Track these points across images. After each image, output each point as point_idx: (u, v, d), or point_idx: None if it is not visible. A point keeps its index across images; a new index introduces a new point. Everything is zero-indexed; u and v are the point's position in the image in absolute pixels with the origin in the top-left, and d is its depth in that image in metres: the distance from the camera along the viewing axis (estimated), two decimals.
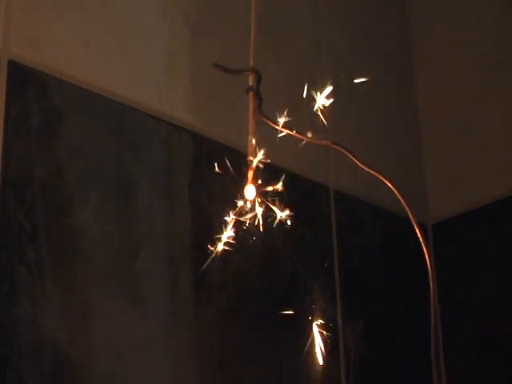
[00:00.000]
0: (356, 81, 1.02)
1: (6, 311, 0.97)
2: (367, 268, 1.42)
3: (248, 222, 0.97)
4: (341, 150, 0.99)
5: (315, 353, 1.02)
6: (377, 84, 1.56)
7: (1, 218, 0.99)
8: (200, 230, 1.19)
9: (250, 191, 0.96)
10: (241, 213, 0.97)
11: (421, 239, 0.91)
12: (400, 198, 0.93)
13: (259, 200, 0.96)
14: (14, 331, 0.97)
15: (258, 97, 0.99)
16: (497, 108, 1.52)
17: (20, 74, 1.06)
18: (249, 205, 0.97)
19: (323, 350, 0.99)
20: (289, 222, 0.98)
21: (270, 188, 0.97)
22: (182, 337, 1.13)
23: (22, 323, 0.98)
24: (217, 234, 1.21)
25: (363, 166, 0.96)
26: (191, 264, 1.17)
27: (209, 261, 0.99)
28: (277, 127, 0.99)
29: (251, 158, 0.97)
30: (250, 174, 0.97)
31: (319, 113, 0.97)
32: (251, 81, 0.99)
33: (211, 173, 1.23)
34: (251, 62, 0.99)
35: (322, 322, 1.05)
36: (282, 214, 0.98)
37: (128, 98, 1.17)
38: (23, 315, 0.98)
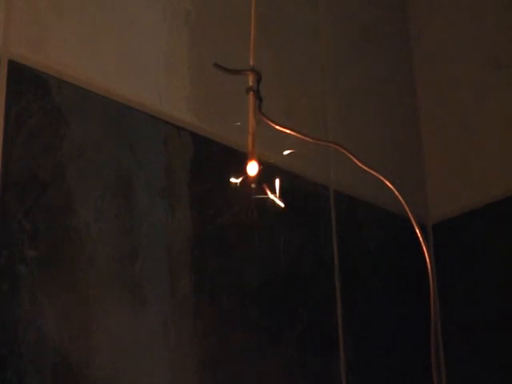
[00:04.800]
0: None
1: (6, 311, 0.97)
2: (367, 268, 1.42)
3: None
4: (341, 150, 0.99)
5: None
6: (377, 84, 1.57)
7: (1, 218, 0.99)
8: (200, 230, 1.19)
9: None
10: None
11: (421, 239, 0.92)
12: (400, 198, 0.93)
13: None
14: (14, 331, 0.97)
15: (258, 97, 0.99)
16: (497, 108, 1.52)
17: (20, 74, 1.06)
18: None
19: None
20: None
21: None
22: (182, 337, 1.13)
23: (22, 323, 0.98)
24: (217, 233, 1.22)
25: (363, 166, 0.96)
26: (191, 264, 1.17)
27: None
28: (277, 127, 0.99)
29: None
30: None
31: None
32: (251, 81, 0.99)
33: (211, 173, 1.23)
34: (251, 62, 0.99)
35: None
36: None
37: (128, 98, 1.17)
38: (23, 315, 0.98)
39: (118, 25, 1.19)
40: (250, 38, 1.00)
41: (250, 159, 0.97)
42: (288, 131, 0.99)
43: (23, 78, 1.07)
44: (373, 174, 0.95)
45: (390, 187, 0.94)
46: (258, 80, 0.99)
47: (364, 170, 0.96)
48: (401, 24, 1.67)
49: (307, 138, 1.01)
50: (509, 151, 1.48)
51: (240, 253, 1.23)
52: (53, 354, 0.99)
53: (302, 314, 1.28)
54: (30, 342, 0.98)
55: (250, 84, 0.99)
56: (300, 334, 1.27)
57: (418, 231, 0.91)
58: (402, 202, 0.93)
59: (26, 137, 1.04)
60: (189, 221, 1.19)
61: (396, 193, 0.93)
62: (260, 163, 0.97)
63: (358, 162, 0.96)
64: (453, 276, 1.49)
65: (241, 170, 0.97)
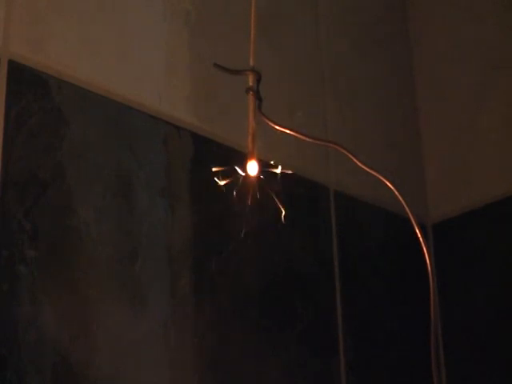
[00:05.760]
0: None
1: (6, 311, 0.97)
2: (367, 268, 1.42)
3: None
4: (341, 150, 0.99)
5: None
6: (377, 84, 1.57)
7: (1, 218, 0.99)
8: (200, 230, 1.19)
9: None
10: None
11: (421, 239, 0.92)
12: (400, 198, 0.93)
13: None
14: (14, 331, 0.97)
15: (258, 97, 0.99)
16: (497, 108, 1.52)
17: (20, 74, 1.06)
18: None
19: None
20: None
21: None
22: (182, 337, 1.13)
23: (22, 323, 0.98)
24: (217, 233, 1.22)
25: (363, 166, 0.96)
26: (191, 264, 1.17)
27: None
28: (276, 127, 0.99)
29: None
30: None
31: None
32: (251, 81, 0.99)
33: (211, 173, 1.23)
34: (251, 62, 0.99)
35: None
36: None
37: (128, 98, 1.17)
38: (23, 315, 0.98)
39: (118, 25, 1.19)
40: (249, 37, 1.00)
41: (250, 159, 0.97)
42: (288, 131, 0.99)
43: (23, 77, 1.07)
44: (373, 174, 0.95)
45: (390, 187, 0.94)
46: (258, 80, 0.99)
47: (364, 170, 0.96)
48: (401, 24, 1.67)
49: (307, 138, 1.01)
50: (509, 151, 1.48)
51: (240, 253, 1.23)
52: (53, 354, 0.99)
53: (302, 314, 1.28)
54: (30, 342, 0.98)
55: (250, 84, 0.99)
56: (300, 333, 1.27)
57: (417, 231, 0.91)
58: (402, 202, 0.93)
59: (26, 137, 1.04)
60: (189, 221, 1.19)
61: (396, 193, 0.93)
62: (260, 163, 0.97)
63: (358, 162, 0.96)
64: (453, 276, 1.49)
65: (241, 170, 0.98)
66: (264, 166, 0.97)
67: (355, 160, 0.97)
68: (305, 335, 1.27)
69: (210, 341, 1.16)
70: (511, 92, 1.51)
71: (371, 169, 0.96)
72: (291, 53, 1.43)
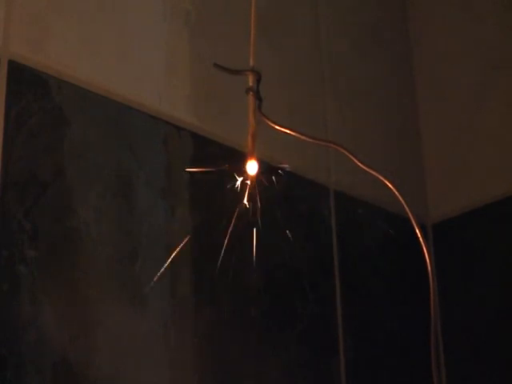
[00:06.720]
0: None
1: (6, 311, 0.97)
2: (367, 268, 1.42)
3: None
4: (341, 150, 0.99)
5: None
6: (377, 84, 1.57)
7: (1, 218, 0.99)
8: (200, 230, 1.19)
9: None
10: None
11: (421, 239, 0.91)
12: (400, 198, 0.93)
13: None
14: (14, 331, 0.97)
15: (258, 97, 0.99)
16: (497, 108, 1.52)
17: (20, 74, 1.06)
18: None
19: None
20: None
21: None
22: (182, 337, 1.13)
23: (22, 323, 0.98)
24: (216, 233, 1.21)
25: (363, 166, 0.96)
26: (191, 264, 1.17)
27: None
28: (276, 127, 0.99)
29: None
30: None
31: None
32: (251, 81, 0.99)
33: (211, 173, 1.23)
34: (251, 62, 0.99)
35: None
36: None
37: (128, 98, 1.17)
38: (23, 315, 0.98)
39: (117, 25, 1.19)
40: (250, 37, 1.00)
41: (250, 159, 0.97)
42: (288, 131, 0.99)
43: (23, 77, 1.07)
44: (373, 174, 0.95)
45: (389, 187, 0.94)
46: (258, 80, 0.99)
47: (364, 170, 0.96)
48: (401, 24, 1.67)
49: (307, 138, 1.01)
50: (509, 151, 1.48)
51: (240, 253, 1.23)
52: (53, 354, 0.99)
53: (302, 314, 1.28)
54: (29, 342, 0.98)
55: (250, 84, 0.99)
56: (300, 334, 1.27)
57: (417, 231, 0.91)
58: (402, 202, 0.93)
59: (26, 137, 1.04)
60: (189, 221, 1.19)
61: (396, 193, 0.93)
62: (260, 163, 0.97)
63: (357, 162, 0.96)
64: (453, 276, 1.49)
65: (241, 170, 0.98)
66: (264, 166, 0.97)
67: (355, 160, 0.97)
68: (305, 335, 1.28)
69: (210, 341, 1.16)
70: (511, 92, 1.51)
71: (371, 169, 0.95)
72: (291, 53, 1.43)
